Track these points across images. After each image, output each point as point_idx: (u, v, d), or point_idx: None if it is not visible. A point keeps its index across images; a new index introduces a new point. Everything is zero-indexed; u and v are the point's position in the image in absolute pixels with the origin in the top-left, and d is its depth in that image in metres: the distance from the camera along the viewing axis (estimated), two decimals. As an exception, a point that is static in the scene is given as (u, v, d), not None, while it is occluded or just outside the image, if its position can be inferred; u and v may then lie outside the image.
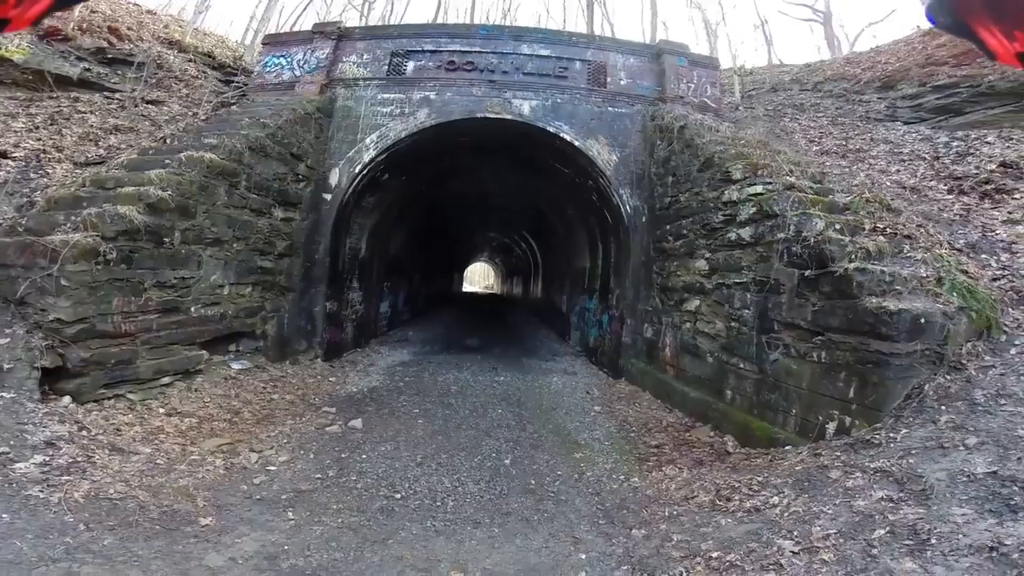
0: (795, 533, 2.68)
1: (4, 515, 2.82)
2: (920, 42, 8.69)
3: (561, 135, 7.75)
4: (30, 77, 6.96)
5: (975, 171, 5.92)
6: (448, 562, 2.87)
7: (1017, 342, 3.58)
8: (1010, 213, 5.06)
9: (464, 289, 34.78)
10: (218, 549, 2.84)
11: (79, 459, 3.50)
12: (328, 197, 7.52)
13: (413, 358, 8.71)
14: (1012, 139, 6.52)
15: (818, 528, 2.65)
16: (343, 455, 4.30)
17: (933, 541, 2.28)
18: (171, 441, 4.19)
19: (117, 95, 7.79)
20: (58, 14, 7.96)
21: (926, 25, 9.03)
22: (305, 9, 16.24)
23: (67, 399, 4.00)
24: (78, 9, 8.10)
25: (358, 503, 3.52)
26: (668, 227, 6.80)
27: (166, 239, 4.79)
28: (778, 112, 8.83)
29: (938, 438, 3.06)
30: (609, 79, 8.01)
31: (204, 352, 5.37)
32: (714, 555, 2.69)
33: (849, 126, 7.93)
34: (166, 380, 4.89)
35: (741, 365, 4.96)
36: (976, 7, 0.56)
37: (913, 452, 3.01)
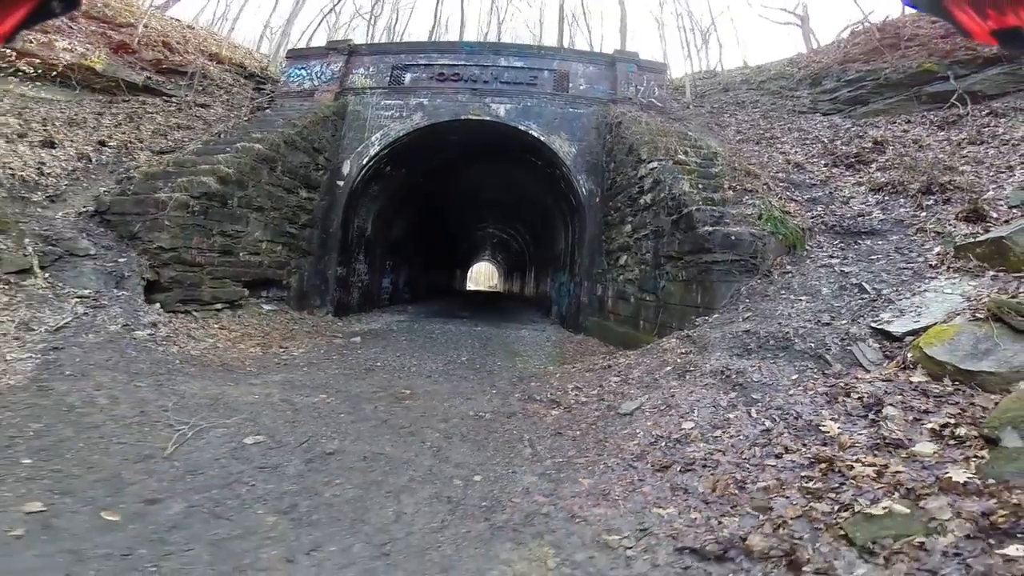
0: (621, 372, 4.31)
1: (132, 352, 4.68)
2: (845, 42, 10.19)
3: (530, 132, 9.51)
4: (109, 83, 9.13)
5: (853, 149, 7.41)
6: (401, 387, 4.56)
7: (812, 256, 5.10)
8: (860, 177, 6.56)
9: (469, 288, 36.69)
10: (259, 377, 4.61)
11: (170, 335, 5.37)
12: (341, 184, 9.44)
13: (408, 318, 10.53)
14: (896, 122, 8.00)
15: (636, 371, 4.26)
16: (344, 351, 6.09)
17: (691, 370, 3.81)
18: (224, 340, 6.03)
19: (173, 99, 9.93)
20: (125, 31, 10.12)
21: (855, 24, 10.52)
22: (320, 23, 18.67)
23: (157, 305, 5.91)
24: (140, 26, 10.29)
25: (350, 366, 5.29)
26: (610, 203, 8.45)
27: (228, 202, 6.80)
28: (722, 109, 10.40)
29: (732, 317, 4.61)
30: (571, 85, 9.77)
31: (245, 290, 7.27)
32: (571, 385, 4.32)
33: (776, 119, 9.45)
34: (219, 306, 6.79)
35: (647, 298, 6.54)
36: None
37: (713, 326, 4.57)
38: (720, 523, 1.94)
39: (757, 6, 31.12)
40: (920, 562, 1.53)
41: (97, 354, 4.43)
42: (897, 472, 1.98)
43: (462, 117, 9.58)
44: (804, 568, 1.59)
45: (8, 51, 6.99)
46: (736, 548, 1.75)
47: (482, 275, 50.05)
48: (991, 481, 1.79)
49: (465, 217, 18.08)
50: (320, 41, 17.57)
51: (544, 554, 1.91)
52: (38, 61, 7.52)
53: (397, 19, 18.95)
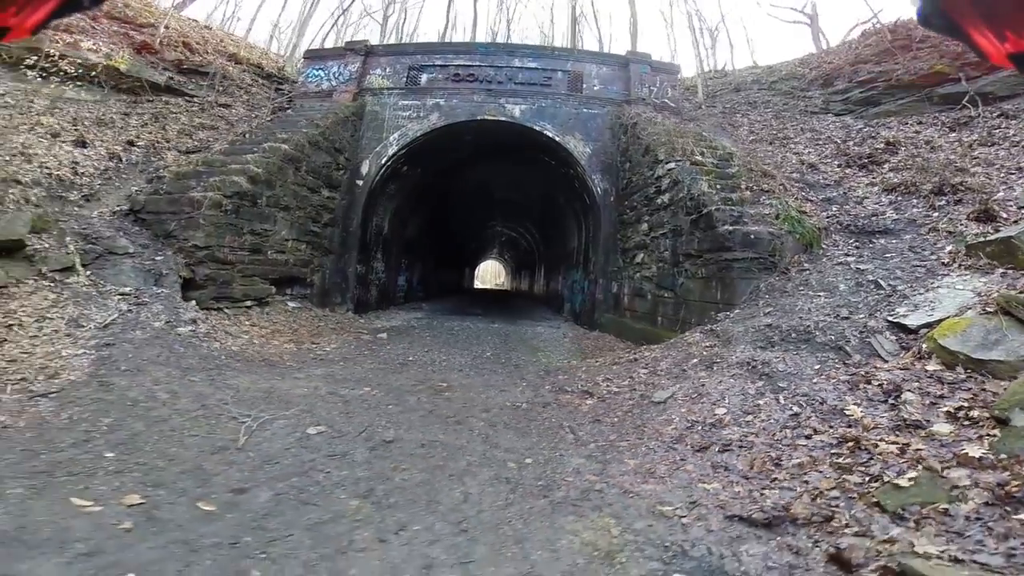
0: (649, 365, 4.56)
1: (180, 348, 4.94)
2: (856, 43, 10.38)
3: (545, 133, 9.73)
4: (133, 83, 9.34)
5: (866, 150, 7.62)
6: (437, 380, 4.82)
7: (828, 254, 5.33)
8: (874, 178, 6.78)
9: (476, 286, 37.12)
10: (301, 372, 4.88)
11: (210, 332, 5.63)
12: (360, 183, 9.68)
13: (425, 315, 10.79)
14: (907, 123, 8.19)
15: (663, 363, 4.51)
16: (374, 347, 6.35)
17: (718, 361, 4.06)
18: (257, 336, 6.29)
19: (195, 99, 10.15)
20: (146, 31, 10.32)
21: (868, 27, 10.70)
22: (332, 27, 19.04)
23: (193, 302, 6.16)
24: (161, 27, 10.50)
25: (384, 361, 5.54)
26: (626, 203, 8.68)
27: (258, 201, 7.03)
28: (734, 109, 10.60)
29: (752, 312, 4.85)
30: (585, 85, 9.98)
31: (272, 288, 7.53)
32: (600, 378, 4.57)
33: (788, 119, 9.65)
34: (248, 303, 7.04)
35: (665, 295, 6.79)
36: (967, 9, 0.56)
37: (734, 320, 4.82)
38: (762, 495, 2.19)
39: (766, 5, 31.39)
40: (947, 525, 1.77)
41: (147, 350, 4.68)
42: (918, 449, 2.23)
43: (478, 117, 9.80)
44: (844, 531, 1.85)
45: (51, 52, 7.24)
46: (780, 516, 2.01)
47: (489, 273, 50.48)
48: (1003, 456, 2.04)
49: (476, 216, 18.33)
50: (331, 42, 17.81)
51: (606, 524, 2.16)
52: (79, 62, 7.77)
53: (406, 18, 19.23)
